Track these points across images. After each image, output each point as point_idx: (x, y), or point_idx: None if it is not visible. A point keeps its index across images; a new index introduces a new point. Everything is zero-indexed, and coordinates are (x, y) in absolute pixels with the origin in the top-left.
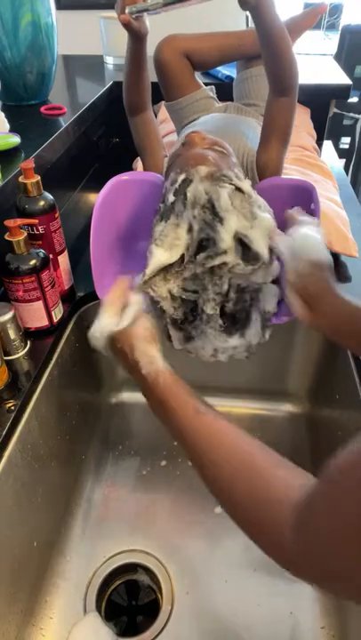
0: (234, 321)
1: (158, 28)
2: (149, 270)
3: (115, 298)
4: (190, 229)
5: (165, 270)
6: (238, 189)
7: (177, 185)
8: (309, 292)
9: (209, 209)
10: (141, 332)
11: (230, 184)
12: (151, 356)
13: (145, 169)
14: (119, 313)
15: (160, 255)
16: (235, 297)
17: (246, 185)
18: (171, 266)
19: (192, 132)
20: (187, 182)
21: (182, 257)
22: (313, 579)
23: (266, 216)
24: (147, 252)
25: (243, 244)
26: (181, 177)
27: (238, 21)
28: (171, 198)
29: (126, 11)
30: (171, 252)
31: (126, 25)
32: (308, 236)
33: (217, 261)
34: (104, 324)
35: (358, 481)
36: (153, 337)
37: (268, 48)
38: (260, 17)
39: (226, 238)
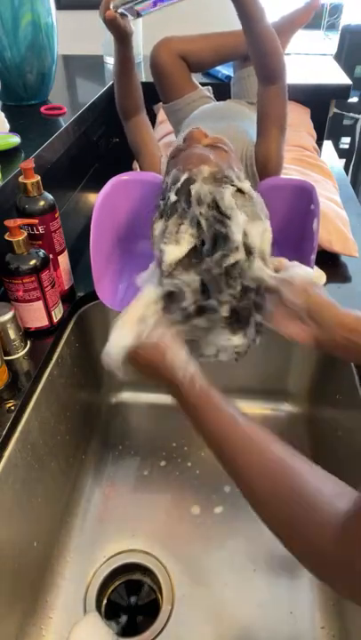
0: (238, 319)
1: (155, 29)
2: (166, 266)
3: (130, 314)
4: (199, 226)
5: (182, 262)
6: (240, 190)
7: (179, 184)
8: (311, 308)
9: (214, 208)
10: (169, 337)
11: (232, 185)
12: (185, 361)
13: (141, 171)
14: (135, 326)
15: (172, 251)
16: (239, 295)
17: (247, 186)
18: (186, 257)
19: (194, 128)
20: (190, 182)
21: (194, 248)
22: (352, 594)
23: (266, 224)
24: (154, 250)
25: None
26: (184, 176)
27: (235, 21)
28: (173, 197)
29: (111, 6)
30: (180, 246)
31: (111, 22)
32: (301, 267)
33: (231, 260)
34: (123, 338)
35: None
36: (180, 341)
37: (252, 36)
38: (245, 6)
39: (237, 232)
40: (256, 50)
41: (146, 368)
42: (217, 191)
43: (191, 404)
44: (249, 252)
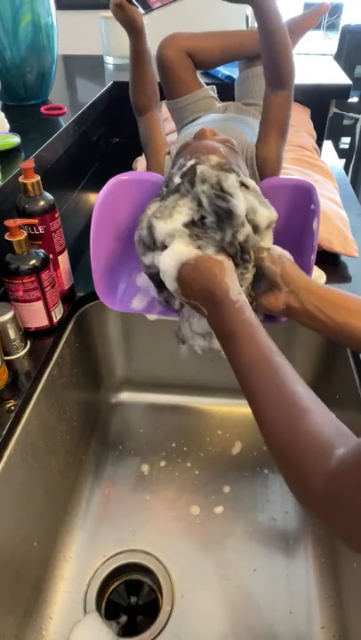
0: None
1: (161, 27)
2: (159, 240)
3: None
4: (200, 204)
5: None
6: (244, 184)
7: (185, 169)
8: (285, 273)
9: (217, 188)
10: (227, 261)
11: (237, 177)
12: (238, 287)
13: (147, 168)
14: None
15: (162, 225)
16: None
17: (252, 182)
18: (185, 227)
19: (205, 127)
20: (196, 166)
21: (193, 222)
22: (334, 527)
23: (271, 210)
24: (136, 231)
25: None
26: (191, 162)
27: (240, 21)
28: (177, 180)
29: None
30: (172, 219)
31: (119, 7)
32: None
33: (241, 236)
34: (182, 251)
35: None
36: (235, 273)
37: (268, 41)
38: (262, 10)
39: (241, 206)
40: (270, 55)
41: (199, 281)
42: (222, 174)
43: (231, 328)
44: (256, 229)
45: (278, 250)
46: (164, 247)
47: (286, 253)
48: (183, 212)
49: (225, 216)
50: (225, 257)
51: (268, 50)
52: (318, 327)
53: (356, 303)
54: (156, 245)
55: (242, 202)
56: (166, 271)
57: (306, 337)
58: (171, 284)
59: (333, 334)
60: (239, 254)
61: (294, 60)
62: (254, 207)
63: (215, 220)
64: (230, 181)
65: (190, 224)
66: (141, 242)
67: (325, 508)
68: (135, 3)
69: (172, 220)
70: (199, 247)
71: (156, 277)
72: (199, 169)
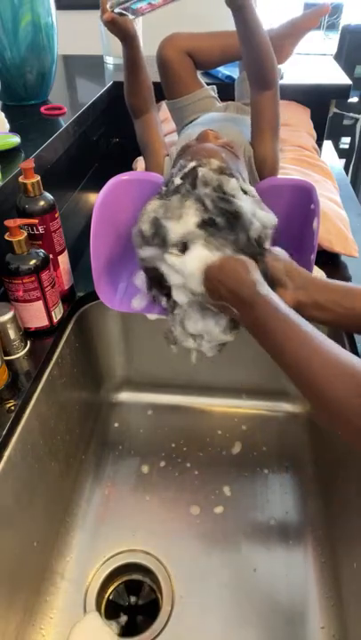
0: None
1: (161, 27)
2: (172, 240)
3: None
4: (204, 205)
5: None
6: (243, 191)
7: (186, 170)
8: (289, 270)
9: (219, 192)
10: (249, 259)
11: (237, 182)
12: (265, 282)
13: (146, 169)
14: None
15: (174, 227)
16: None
17: (251, 188)
18: (198, 229)
19: (207, 129)
20: (197, 168)
21: (203, 223)
22: None
23: (270, 214)
24: (136, 226)
25: None
26: (192, 163)
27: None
28: (177, 181)
29: (107, 6)
30: (183, 220)
31: (110, 22)
32: None
33: (254, 234)
34: (205, 254)
35: None
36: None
37: (252, 49)
38: (246, 16)
39: (246, 207)
40: (252, 58)
41: (226, 282)
42: (223, 178)
43: (268, 324)
44: (264, 225)
45: (276, 249)
46: (175, 247)
47: (284, 252)
48: (191, 212)
49: (233, 218)
50: (245, 256)
51: (252, 57)
52: (329, 318)
53: None
54: (159, 243)
55: (245, 201)
56: (192, 275)
57: None
58: (197, 288)
59: (346, 324)
60: (257, 251)
61: (275, 59)
62: (255, 209)
63: (225, 221)
64: (232, 184)
65: (202, 225)
66: (141, 235)
67: None
68: (125, 13)
69: (183, 220)
70: (218, 249)
71: (150, 271)
72: (200, 172)
